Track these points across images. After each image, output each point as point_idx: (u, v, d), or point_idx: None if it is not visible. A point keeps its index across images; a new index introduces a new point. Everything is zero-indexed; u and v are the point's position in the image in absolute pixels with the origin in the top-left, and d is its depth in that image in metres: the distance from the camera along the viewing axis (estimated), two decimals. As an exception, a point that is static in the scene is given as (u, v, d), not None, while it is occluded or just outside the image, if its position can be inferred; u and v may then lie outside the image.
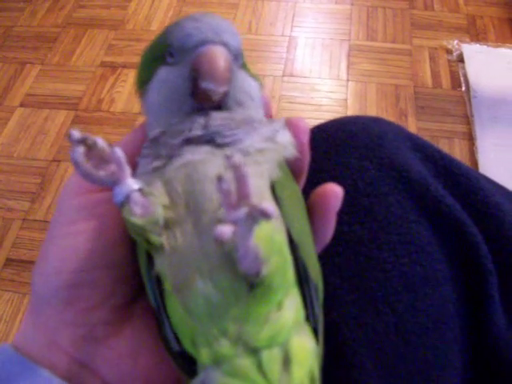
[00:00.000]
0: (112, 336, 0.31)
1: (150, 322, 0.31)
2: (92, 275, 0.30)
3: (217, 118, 0.29)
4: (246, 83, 0.32)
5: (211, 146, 0.28)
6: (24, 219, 1.40)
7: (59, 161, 1.51)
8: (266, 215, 0.22)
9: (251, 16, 1.86)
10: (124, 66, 1.72)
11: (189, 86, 0.30)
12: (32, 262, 1.32)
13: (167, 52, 0.31)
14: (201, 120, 0.29)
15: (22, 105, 1.68)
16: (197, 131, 0.29)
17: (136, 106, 1.61)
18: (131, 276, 0.31)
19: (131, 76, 1.69)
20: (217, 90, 0.29)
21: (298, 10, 1.87)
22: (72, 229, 0.30)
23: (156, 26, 1.85)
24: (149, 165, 0.29)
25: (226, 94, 0.30)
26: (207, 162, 0.28)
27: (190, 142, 0.28)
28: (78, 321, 0.30)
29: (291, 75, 1.66)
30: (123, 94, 1.65)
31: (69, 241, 0.30)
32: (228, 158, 0.24)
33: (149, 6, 1.93)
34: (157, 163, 0.28)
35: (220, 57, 0.29)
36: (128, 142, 0.33)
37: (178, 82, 0.30)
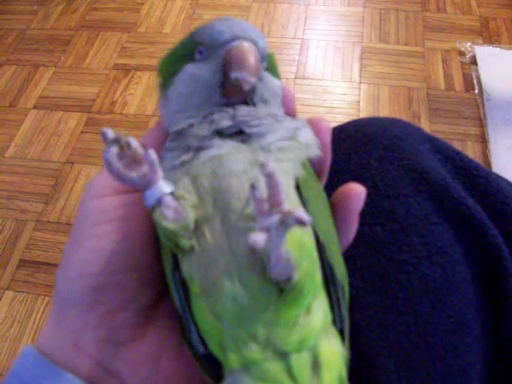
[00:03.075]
0: (135, 339, 0.31)
1: (173, 326, 0.31)
2: (116, 278, 0.30)
3: (243, 110, 0.30)
4: (271, 83, 0.32)
5: (237, 141, 0.29)
6: (37, 221, 1.41)
7: (73, 163, 1.52)
8: (301, 223, 0.22)
9: (263, 19, 1.86)
10: (137, 69, 1.73)
11: (218, 79, 0.30)
12: (46, 263, 1.33)
13: (196, 50, 0.31)
14: (229, 111, 0.29)
15: (35, 107, 1.69)
16: (226, 121, 0.29)
17: (149, 108, 1.62)
18: (155, 279, 0.31)
19: (144, 78, 1.70)
20: (248, 79, 0.29)
21: (310, 13, 1.87)
22: (96, 231, 0.30)
23: (169, 29, 1.86)
24: (175, 159, 0.29)
25: (253, 90, 0.30)
26: (232, 157, 0.28)
27: (219, 133, 0.29)
28: (101, 324, 0.30)
29: (304, 78, 1.66)
30: (136, 96, 1.66)
31: (92, 243, 0.30)
32: (262, 165, 0.23)
33: (161, 8, 1.94)
34: (185, 157, 0.28)
35: (250, 50, 0.30)
36: (146, 140, 0.33)
37: (207, 76, 0.30)
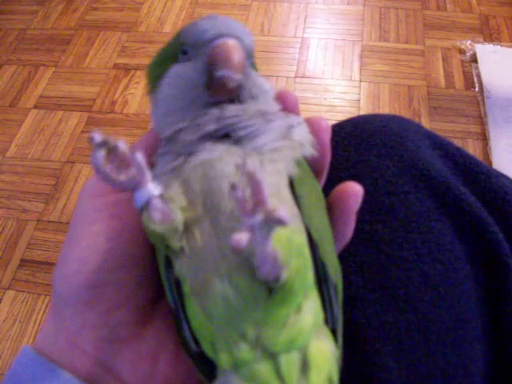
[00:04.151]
0: (133, 337, 0.31)
1: (171, 323, 0.31)
2: (113, 276, 0.30)
3: (230, 110, 0.29)
4: (258, 79, 0.32)
5: (228, 143, 0.28)
6: (38, 220, 1.41)
7: (73, 162, 1.52)
8: (281, 222, 0.21)
9: (263, 17, 1.86)
10: (137, 68, 1.73)
11: (203, 78, 0.30)
12: (46, 263, 1.33)
13: (180, 50, 0.31)
14: (214, 113, 0.29)
15: (36, 107, 1.69)
16: (211, 125, 0.29)
17: (149, 107, 1.61)
18: (152, 276, 0.31)
19: (144, 78, 1.69)
20: (233, 76, 0.28)
21: (310, 11, 1.87)
22: (92, 229, 0.30)
23: (169, 28, 1.86)
24: (167, 164, 0.29)
25: (240, 86, 0.30)
26: (223, 160, 0.27)
27: (207, 137, 0.28)
28: (99, 322, 0.30)
29: (304, 76, 1.66)
30: (136, 95, 1.66)
31: (89, 241, 0.30)
32: (241, 165, 0.23)
33: (161, 8, 1.94)
34: (176, 162, 0.28)
35: (235, 48, 0.29)
36: (142, 143, 0.33)
37: (192, 76, 0.30)
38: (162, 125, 0.31)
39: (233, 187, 0.23)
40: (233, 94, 0.30)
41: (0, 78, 1.79)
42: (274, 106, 0.32)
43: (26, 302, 1.27)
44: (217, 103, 0.30)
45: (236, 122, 0.29)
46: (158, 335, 0.32)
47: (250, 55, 0.32)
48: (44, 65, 1.82)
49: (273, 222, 0.21)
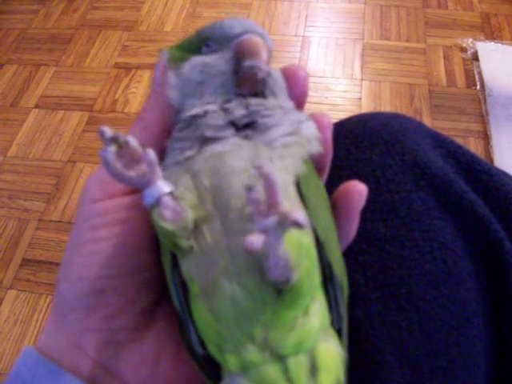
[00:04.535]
0: (135, 341, 0.31)
1: (173, 327, 0.31)
2: (115, 281, 0.30)
3: (256, 101, 0.29)
4: (278, 76, 0.32)
5: (240, 137, 0.28)
6: (40, 220, 1.41)
7: (74, 162, 1.52)
8: (297, 225, 0.21)
9: (264, 16, 1.86)
10: (138, 67, 1.73)
11: (230, 67, 0.30)
12: (48, 263, 1.33)
13: (204, 44, 0.31)
14: (242, 100, 0.29)
15: (37, 106, 1.69)
16: (240, 110, 0.29)
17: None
18: (154, 281, 0.31)
19: (145, 77, 1.70)
20: (261, 67, 0.29)
21: (311, 10, 1.87)
22: (94, 235, 0.30)
23: (169, 27, 1.86)
24: (180, 154, 0.28)
25: (264, 82, 0.30)
26: (233, 155, 0.27)
27: (233, 123, 0.28)
28: (101, 327, 0.30)
29: (305, 75, 1.66)
30: (137, 94, 1.66)
31: (92, 247, 0.30)
32: (258, 167, 0.23)
33: (162, 7, 1.93)
34: (189, 152, 0.28)
35: (262, 43, 0.30)
36: (136, 132, 0.32)
37: (220, 65, 0.30)
38: (185, 103, 0.31)
39: (248, 188, 0.23)
40: (257, 88, 0.30)
41: (1, 78, 1.80)
42: (289, 103, 0.32)
43: (28, 302, 1.27)
44: (241, 96, 0.30)
45: (261, 109, 0.29)
46: (160, 338, 0.31)
47: (270, 55, 0.32)
48: (45, 64, 1.82)
49: (288, 224, 0.21)
